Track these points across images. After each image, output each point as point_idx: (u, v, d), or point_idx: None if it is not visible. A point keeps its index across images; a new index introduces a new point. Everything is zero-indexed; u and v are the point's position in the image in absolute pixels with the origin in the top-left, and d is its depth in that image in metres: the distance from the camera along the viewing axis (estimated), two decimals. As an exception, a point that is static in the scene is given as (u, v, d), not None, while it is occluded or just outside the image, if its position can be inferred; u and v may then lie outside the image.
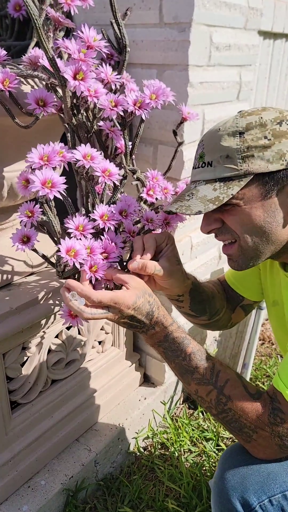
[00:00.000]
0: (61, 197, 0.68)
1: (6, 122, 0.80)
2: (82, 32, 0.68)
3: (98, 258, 0.71)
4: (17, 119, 0.75)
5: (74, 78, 0.63)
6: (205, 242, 1.31)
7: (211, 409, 0.73)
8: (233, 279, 1.00)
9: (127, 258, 0.87)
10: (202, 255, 1.34)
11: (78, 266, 0.68)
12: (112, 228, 0.74)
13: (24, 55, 0.97)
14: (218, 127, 0.69)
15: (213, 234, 0.77)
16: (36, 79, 0.80)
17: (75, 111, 0.74)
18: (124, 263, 0.77)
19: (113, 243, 0.73)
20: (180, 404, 1.52)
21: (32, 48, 0.87)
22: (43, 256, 0.83)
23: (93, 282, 0.71)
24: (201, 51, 1.02)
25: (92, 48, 0.65)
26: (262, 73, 1.36)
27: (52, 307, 1.02)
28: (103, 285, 0.74)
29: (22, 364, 1.05)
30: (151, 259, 0.78)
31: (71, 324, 0.72)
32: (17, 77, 0.72)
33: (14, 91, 0.73)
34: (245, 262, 0.77)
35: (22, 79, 0.80)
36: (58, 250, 0.69)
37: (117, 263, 0.77)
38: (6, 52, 0.77)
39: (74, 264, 0.68)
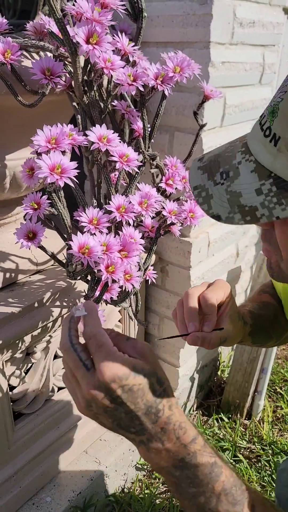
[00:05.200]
0: (72, 184, 0.58)
1: (8, 102, 0.71)
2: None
3: (115, 256, 0.61)
4: (20, 97, 0.65)
5: (87, 42, 0.54)
6: (222, 238, 1.21)
7: None
8: (283, 294, 0.77)
9: (144, 260, 0.77)
10: (219, 252, 1.24)
11: (92, 265, 0.59)
12: (131, 221, 0.64)
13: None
14: None
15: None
16: (42, 53, 0.70)
17: (86, 88, 0.64)
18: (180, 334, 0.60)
19: (132, 240, 0.64)
20: (193, 411, 1.43)
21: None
22: (52, 255, 0.74)
23: (109, 285, 0.61)
24: (223, 27, 0.92)
25: (107, 7, 0.56)
26: (286, 55, 1.26)
27: (59, 309, 0.93)
28: (118, 289, 0.65)
29: (26, 372, 0.96)
30: None
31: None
32: (21, 49, 0.63)
33: (16, 64, 0.64)
34: (283, 280, 0.55)
35: (26, 54, 0.71)
36: (69, 248, 0.60)
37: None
38: (7, 21, 0.67)
39: (88, 263, 0.59)
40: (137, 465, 1.21)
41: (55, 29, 0.59)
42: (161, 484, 1.19)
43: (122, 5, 0.56)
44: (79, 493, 1.03)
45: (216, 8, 0.88)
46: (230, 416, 1.41)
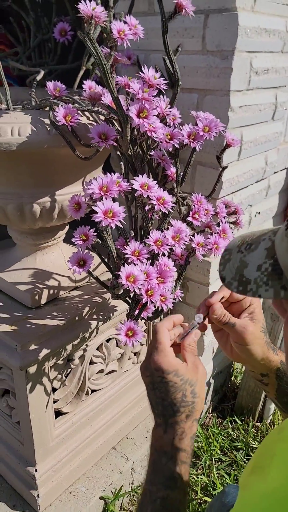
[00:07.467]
0: (121, 226, 0.72)
1: (62, 151, 0.85)
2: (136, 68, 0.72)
3: (154, 282, 0.75)
4: (78, 152, 0.79)
5: (138, 116, 0.68)
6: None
7: None
8: None
9: (175, 284, 0.90)
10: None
11: (138, 291, 0.72)
12: (166, 252, 0.78)
13: (68, 80, 1.02)
14: None
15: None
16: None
17: (130, 143, 0.78)
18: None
19: (167, 268, 0.77)
20: (209, 413, 1.55)
21: (85, 80, 0.92)
22: (96, 279, 0.87)
23: (148, 305, 0.75)
24: (241, 77, 1.06)
25: (153, 87, 0.70)
26: (296, 92, 1.39)
27: (96, 322, 1.07)
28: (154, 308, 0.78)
29: (66, 375, 1.10)
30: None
31: (127, 343, 0.77)
32: (78, 111, 0.77)
33: (75, 126, 0.78)
34: None
35: (81, 113, 0.85)
36: (117, 277, 0.73)
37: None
38: (65, 87, 0.82)
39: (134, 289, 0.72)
40: (159, 461, 1.34)
41: (108, 99, 0.73)
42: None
43: (165, 82, 0.70)
44: (110, 484, 1.17)
45: (236, 62, 1.02)
46: (243, 418, 1.53)
